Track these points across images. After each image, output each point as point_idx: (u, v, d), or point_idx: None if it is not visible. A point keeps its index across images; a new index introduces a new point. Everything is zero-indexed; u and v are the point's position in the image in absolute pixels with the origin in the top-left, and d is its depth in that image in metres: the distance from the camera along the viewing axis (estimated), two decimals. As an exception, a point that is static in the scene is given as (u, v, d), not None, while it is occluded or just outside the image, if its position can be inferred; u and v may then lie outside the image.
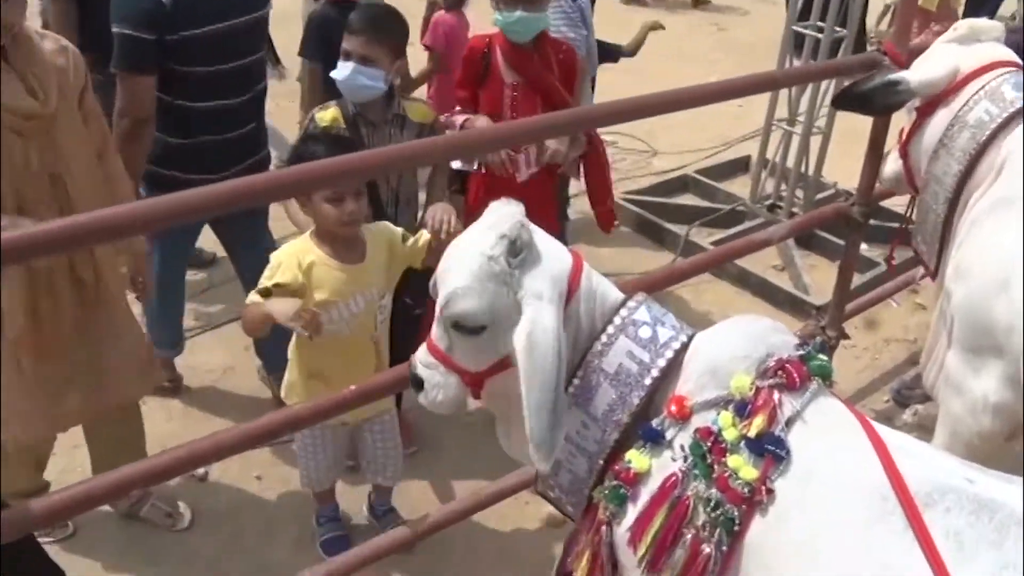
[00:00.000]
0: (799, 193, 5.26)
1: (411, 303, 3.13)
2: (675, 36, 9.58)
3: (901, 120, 2.92)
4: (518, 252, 1.65)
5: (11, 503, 1.97)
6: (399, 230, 2.76)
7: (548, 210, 3.44)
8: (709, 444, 1.55)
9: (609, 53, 4.90)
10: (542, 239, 1.72)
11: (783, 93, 5.13)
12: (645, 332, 1.67)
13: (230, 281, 4.39)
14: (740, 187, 5.75)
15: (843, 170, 5.45)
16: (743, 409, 1.56)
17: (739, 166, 6.16)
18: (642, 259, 4.98)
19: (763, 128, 5.31)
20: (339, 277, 2.60)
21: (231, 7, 3.11)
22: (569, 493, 1.78)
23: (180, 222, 3.11)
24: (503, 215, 1.72)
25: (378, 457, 3.00)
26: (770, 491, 1.49)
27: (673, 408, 1.61)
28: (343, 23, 3.04)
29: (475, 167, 3.52)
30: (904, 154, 2.88)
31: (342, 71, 2.92)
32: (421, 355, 1.84)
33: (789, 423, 1.54)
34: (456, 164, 3.46)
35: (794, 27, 4.93)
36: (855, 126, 2.96)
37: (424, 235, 2.73)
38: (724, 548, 1.50)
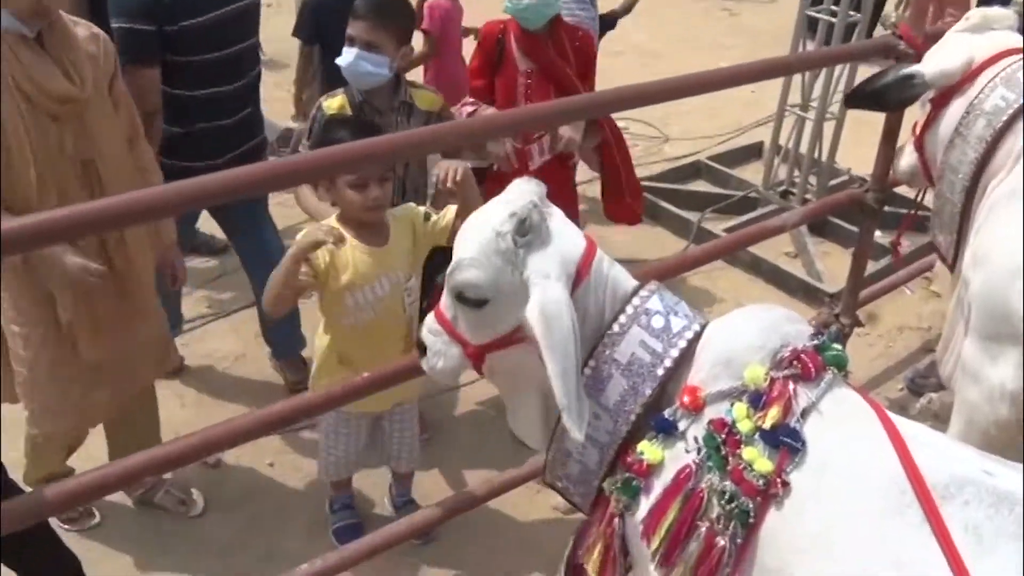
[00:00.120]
0: (812, 179, 5.23)
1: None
2: (686, 22, 9.55)
3: (915, 110, 2.90)
4: (526, 232, 1.65)
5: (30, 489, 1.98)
6: (422, 210, 2.73)
7: (565, 198, 3.43)
8: (723, 436, 1.54)
9: (606, 23, 4.88)
10: (558, 222, 1.72)
11: (796, 78, 5.09)
12: (658, 321, 1.66)
13: (242, 269, 4.39)
14: (753, 173, 5.72)
15: (857, 156, 5.42)
16: (757, 400, 1.54)
17: (752, 152, 6.12)
18: (654, 246, 4.96)
19: (776, 114, 5.27)
20: (364, 260, 2.59)
21: None
22: (578, 483, 1.77)
23: (198, 208, 3.16)
24: (521, 192, 1.72)
25: (395, 444, 3.01)
26: (785, 483, 1.48)
27: (686, 399, 1.60)
28: (337, 6, 3.03)
29: (488, 163, 3.49)
30: (919, 147, 2.86)
31: (346, 57, 2.88)
32: (429, 321, 1.87)
33: (804, 414, 1.53)
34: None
35: (808, 11, 4.89)
36: (868, 112, 2.94)
37: (449, 212, 2.69)
38: (739, 541, 1.49)
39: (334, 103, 2.95)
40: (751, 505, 1.48)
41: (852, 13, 4.72)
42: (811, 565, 1.44)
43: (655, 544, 1.55)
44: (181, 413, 3.55)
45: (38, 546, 2.48)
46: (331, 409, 2.68)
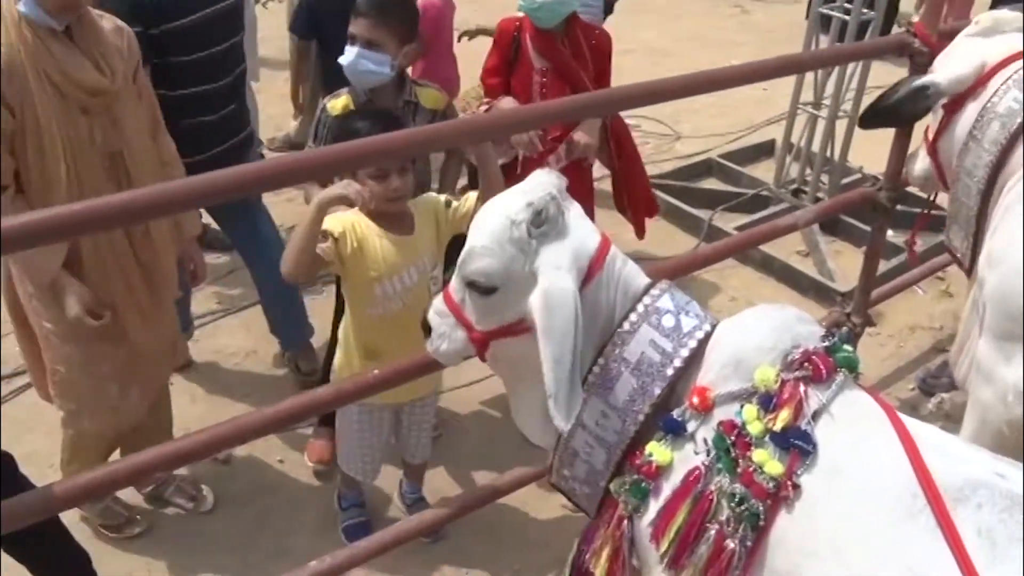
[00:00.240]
0: (824, 178, 5.20)
1: None
2: (697, 19, 9.52)
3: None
4: (542, 223, 1.65)
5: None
6: (443, 198, 2.71)
7: (580, 195, 3.41)
8: (733, 438, 1.53)
9: (606, 6, 4.86)
10: (575, 216, 1.72)
11: (808, 76, 5.06)
12: (668, 321, 1.65)
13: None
14: (764, 171, 5.70)
15: (869, 154, 5.39)
16: (768, 402, 1.53)
17: (763, 150, 6.10)
18: (665, 244, 4.95)
19: (788, 112, 5.25)
20: (391, 250, 2.57)
21: None
22: (585, 484, 1.77)
23: (208, 204, 3.17)
24: (540, 183, 1.73)
25: (412, 438, 3.01)
26: (796, 486, 1.48)
27: (695, 399, 1.59)
28: (335, 3, 3.01)
29: (512, 156, 3.47)
30: (933, 152, 2.84)
31: (347, 56, 2.84)
32: (437, 302, 1.88)
33: (815, 416, 1.52)
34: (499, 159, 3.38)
35: (821, 9, 4.86)
36: (882, 111, 2.92)
37: (470, 199, 2.68)
38: (748, 544, 1.48)
39: (338, 104, 2.91)
40: (761, 508, 1.47)
41: (865, 11, 4.69)
42: (822, 568, 1.43)
43: (664, 547, 1.55)
44: (191, 409, 3.56)
45: (48, 542, 2.49)
46: (341, 405, 2.69)
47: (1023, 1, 3.02)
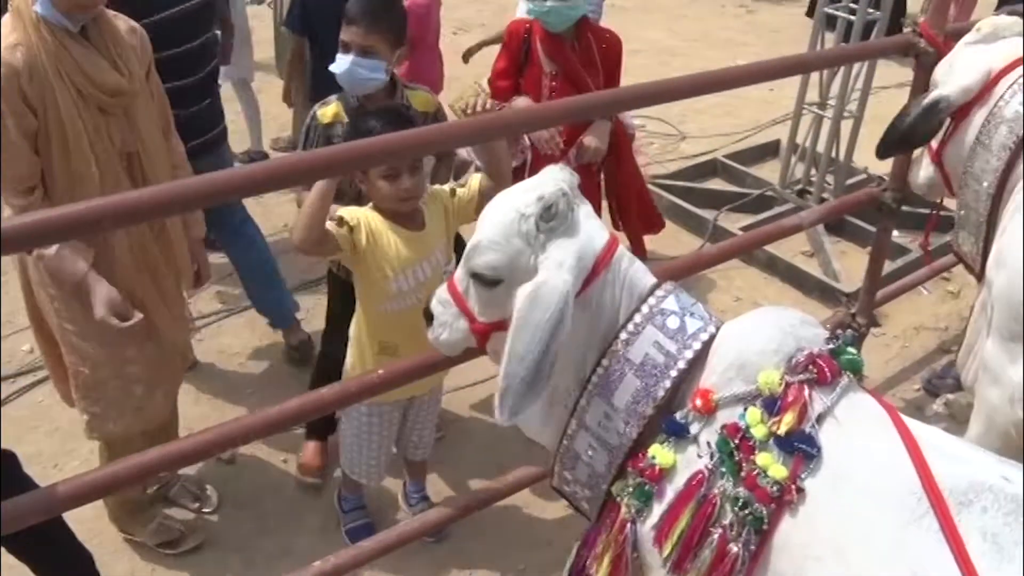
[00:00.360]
0: (829, 178, 5.19)
1: None
2: (703, 19, 9.52)
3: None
4: (551, 218, 1.65)
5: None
6: (447, 187, 2.71)
7: (589, 196, 3.40)
8: (737, 441, 1.52)
9: None
10: (584, 215, 1.72)
11: (814, 77, 5.06)
12: (673, 322, 1.65)
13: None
14: (769, 172, 5.69)
15: (874, 155, 5.38)
16: (772, 405, 1.53)
17: (769, 150, 6.09)
18: (670, 244, 4.94)
19: (794, 112, 5.24)
20: (403, 246, 2.57)
21: None
22: (586, 487, 1.76)
23: (213, 204, 3.17)
24: (552, 179, 1.72)
25: (414, 434, 3.01)
26: (800, 490, 1.47)
27: (698, 401, 1.58)
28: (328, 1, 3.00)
29: (521, 163, 3.45)
30: (938, 159, 2.84)
31: (341, 64, 2.79)
32: (440, 291, 1.88)
33: (819, 419, 1.52)
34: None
35: (826, 9, 4.85)
36: (887, 111, 2.91)
37: (473, 183, 2.68)
38: (752, 548, 1.48)
39: (328, 111, 2.86)
40: (765, 512, 1.47)
41: (871, 11, 4.68)
42: (825, 572, 1.43)
43: (667, 551, 1.54)
44: (195, 409, 3.56)
45: (52, 542, 2.49)
46: (345, 406, 2.69)
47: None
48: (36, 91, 2.29)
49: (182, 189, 1.85)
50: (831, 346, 1.60)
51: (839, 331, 1.69)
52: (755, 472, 1.49)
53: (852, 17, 4.72)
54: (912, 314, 4.42)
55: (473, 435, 3.59)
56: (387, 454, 2.97)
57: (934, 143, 2.84)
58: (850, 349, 1.62)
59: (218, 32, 4.44)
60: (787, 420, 1.50)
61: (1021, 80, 2.58)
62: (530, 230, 1.65)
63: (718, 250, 3.08)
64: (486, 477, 3.29)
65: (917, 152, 3.09)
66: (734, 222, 5.04)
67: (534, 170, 3.25)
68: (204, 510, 3.18)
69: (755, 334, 1.63)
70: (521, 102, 3.27)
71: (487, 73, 4.41)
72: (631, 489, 1.61)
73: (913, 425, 1.54)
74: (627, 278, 1.71)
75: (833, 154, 5.10)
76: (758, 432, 1.51)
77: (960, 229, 2.82)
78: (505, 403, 1.59)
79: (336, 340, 3.19)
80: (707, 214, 5.11)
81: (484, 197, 2.70)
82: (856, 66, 4.85)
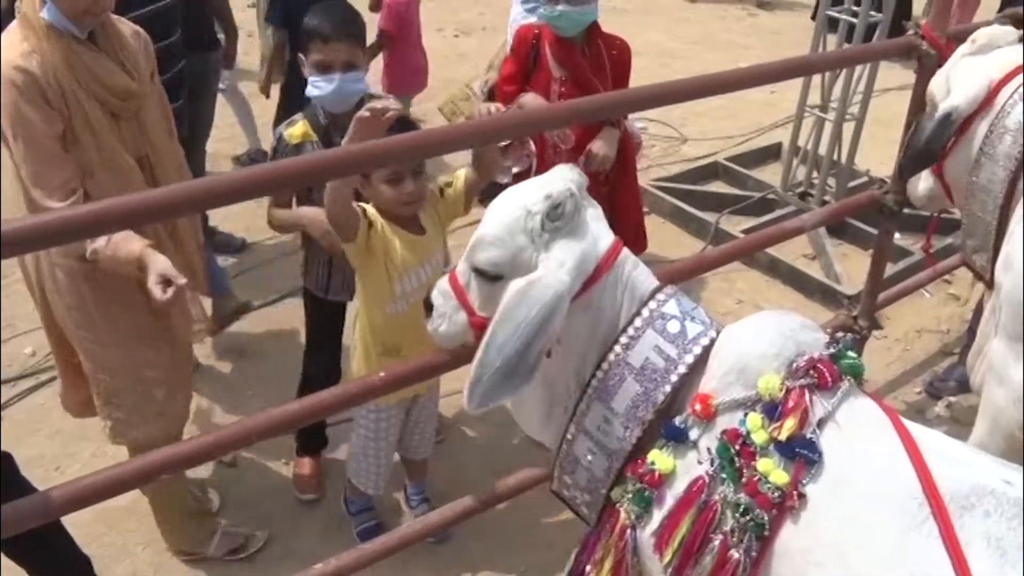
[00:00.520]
0: (831, 181, 5.19)
1: None
2: (705, 22, 9.52)
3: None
4: (557, 218, 1.65)
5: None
6: (436, 188, 2.71)
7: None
8: (737, 447, 1.52)
9: None
10: (590, 216, 1.72)
11: (815, 79, 5.06)
12: (674, 326, 1.64)
13: (260, 266, 4.42)
14: (771, 175, 5.69)
15: (876, 158, 5.39)
16: (772, 411, 1.52)
17: (770, 153, 6.09)
18: (671, 247, 4.94)
19: (795, 115, 5.24)
20: (406, 249, 2.58)
21: None
22: (585, 492, 1.76)
23: (208, 209, 3.17)
24: (561, 178, 1.72)
25: (415, 433, 3.02)
26: (801, 496, 1.46)
27: (697, 406, 1.57)
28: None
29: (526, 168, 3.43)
30: (939, 172, 2.84)
31: (324, 87, 2.71)
32: (441, 283, 1.88)
33: (820, 424, 1.51)
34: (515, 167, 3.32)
35: (828, 11, 4.85)
36: (889, 113, 2.92)
37: (459, 180, 2.69)
38: (753, 554, 1.47)
39: (296, 131, 2.78)
40: (766, 518, 1.46)
41: (873, 13, 4.68)
42: None
43: (668, 558, 1.53)
44: (197, 412, 3.56)
45: (50, 546, 2.49)
46: (347, 408, 2.68)
47: None
48: (56, 96, 2.29)
49: (188, 191, 1.85)
50: (832, 350, 1.60)
51: (839, 335, 1.68)
52: (756, 478, 1.48)
53: (854, 20, 4.72)
54: (914, 317, 4.42)
55: (474, 438, 3.59)
56: (391, 459, 2.98)
57: None
58: (850, 353, 1.62)
59: (221, 36, 4.46)
60: (788, 425, 1.49)
61: (1022, 89, 2.57)
62: (535, 228, 1.65)
63: (720, 253, 3.07)
64: (487, 479, 3.29)
65: None
66: (736, 225, 5.04)
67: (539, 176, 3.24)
68: (205, 513, 3.18)
69: (755, 339, 1.62)
70: (529, 98, 3.24)
71: (483, 76, 4.42)
72: (631, 495, 1.61)
73: (914, 429, 1.53)
74: (629, 281, 1.71)
75: (835, 157, 5.10)
76: (759, 438, 1.50)
77: (968, 238, 2.82)
78: (475, 391, 1.59)
79: (319, 361, 3.21)
80: (709, 217, 5.11)
81: (470, 192, 2.72)
82: (858, 68, 4.84)
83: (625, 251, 1.74)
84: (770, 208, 5.28)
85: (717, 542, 1.49)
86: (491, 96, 3.70)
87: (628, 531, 1.62)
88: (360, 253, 2.54)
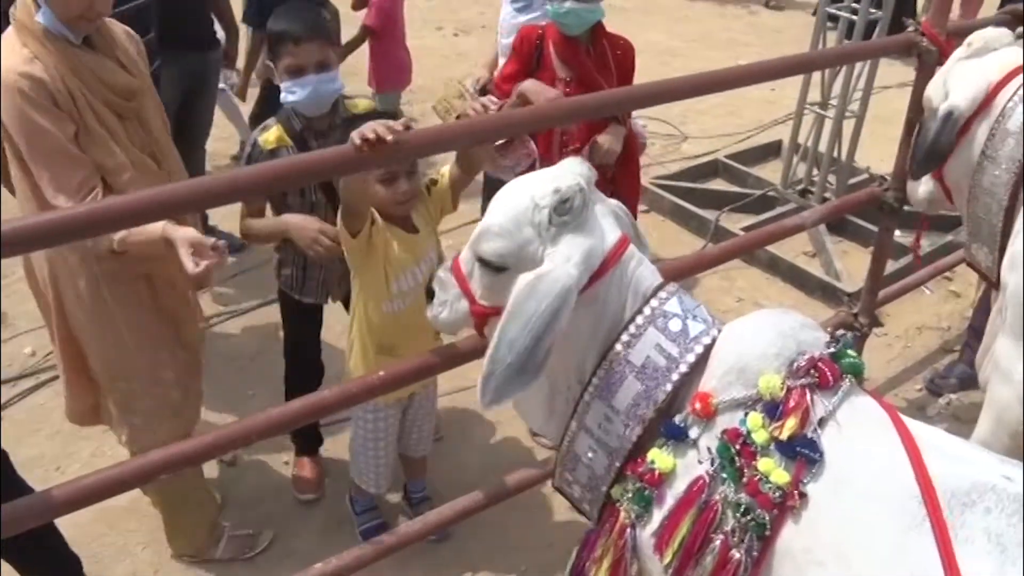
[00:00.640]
0: (831, 178, 5.19)
1: None
2: (704, 20, 9.52)
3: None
4: (565, 212, 1.64)
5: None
6: (423, 182, 2.70)
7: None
8: (738, 447, 1.51)
9: None
10: (598, 212, 1.71)
11: (815, 76, 5.06)
12: (675, 325, 1.64)
13: (259, 267, 4.42)
14: (771, 172, 5.69)
15: (876, 154, 5.39)
16: (773, 410, 1.51)
17: (770, 151, 6.09)
18: (672, 244, 4.94)
19: (795, 112, 5.24)
20: (401, 248, 2.59)
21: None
22: (586, 489, 1.75)
23: (205, 208, 3.16)
24: (571, 172, 1.71)
25: (414, 432, 3.02)
26: (803, 495, 1.46)
27: (697, 405, 1.57)
28: None
29: (527, 168, 3.42)
30: (939, 175, 2.83)
31: (301, 91, 2.66)
32: (443, 269, 1.88)
33: (821, 424, 1.50)
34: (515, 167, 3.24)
35: (828, 8, 4.85)
36: (889, 110, 2.92)
37: (445, 172, 2.69)
38: (755, 554, 1.47)
39: (271, 137, 2.73)
40: (767, 517, 1.45)
41: (873, 10, 4.68)
42: None
43: (668, 558, 1.53)
44: (197, 411, 3.56)
45: (39, 546, 2.47)
46: (347, 407, 2.68)
47: None
48: (65, 100, 2.28)
49: (188, 190, 1.85)
50: (832, 349, 1.59)
51: (839, 333, 1.67)
52: (757, 478, 1.47)
53: (854, 17, 4.72)
54: (914, 314, 4.42)
55: (474, 436, 3.58)
56: (392, 458, 2.98)
57: None
58: (851, 352, 1.61)
59: (221, 37, 4.46)
60: (790, 425, 1.48)
61: (1022, 90, 2.57)
62: (542, 221, 1.64)
63: (720, 250, 3.07)
64: (487, 478, 3.28)
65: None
66: (736, 222, 5.04)
67: None
68: (206, 512, 3.17)
69: (755, 338, 1.61)
70: (528, 84, 3.20)
71: (478, 73, 4.40)
72: (631, 494, 1.60)
73: (914, 426, 1.53)
74: (634, 278, 1.70)
75: (835, 154, 5.09)
76: (759, 437, 1.49)
77: (973, 240, 2.82)
78: (488, 387, 1.58)
79: (300, 371, 3.22)
80: (709, 214, 5.11)
81: (456, 189, 2.72)
82: (858, 65, 4.84)
83: (631, 247, 1.73)
84: (770, 205, 5.28)
85: (718, 542, 1.49)
86: (483, 94, 3.68)
87: (628, 530, 1.61)
88: (362, 251, 2.54)
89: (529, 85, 3.16)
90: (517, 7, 4.09)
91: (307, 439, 3.31)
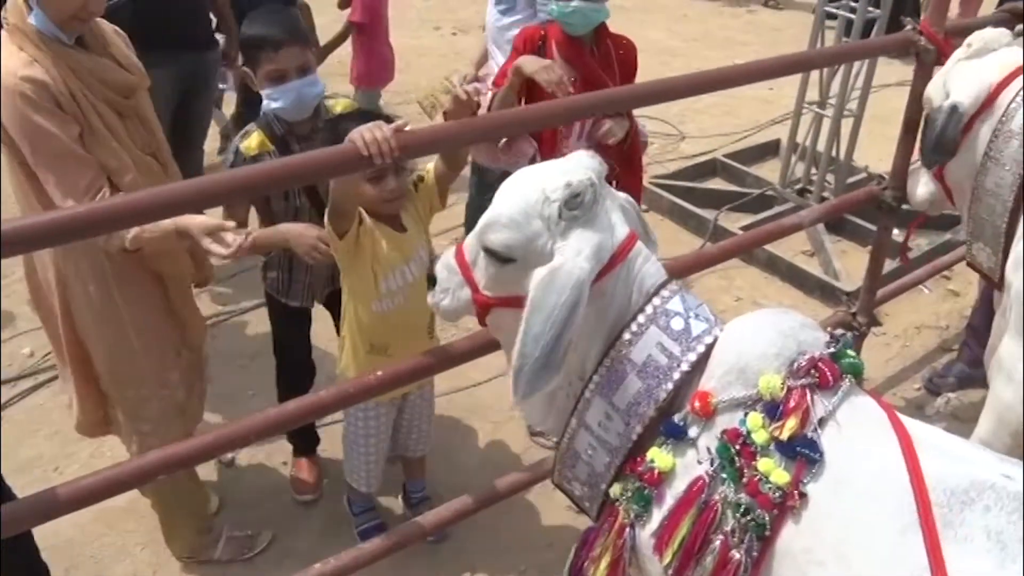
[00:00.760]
0: (830, 177, 5.19)
1: None
2: (703, 19, 9.52)
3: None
4: (575, 206, 1.63)
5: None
6: (410, 180, 2.68)
7: None
8: (738, 447, 1.51)
9: None
10: (608, 206, 1.70)
11: (813, 75, 5.06)
12: (677, 323, 1.63)
13: (257, 267, 4.40)
14: (769, 171, 5.69)
15: (875, 154, 5.39)
16: (773, 410, 1.51)
17: (769, 150, 6.09)
18: (670, 244, 4.93)
19: (794, 111, 5.24)
20: (390, 246, 2.57)
21: None
22: (586, 487, 1.75)
23: (205, 208, 3.15)
24: (582, 165, 1.70)
25: (413, 432, 3.02)
26: (803, 495, 1.46)
27: (696, 404, 1.57)
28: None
29: (531, 157, 3.41)
30: (940, 175, 2.83)
31: (284, 97, 2.62)
32: (447, 256, 1.86)
33: (821, 424, 1.50)
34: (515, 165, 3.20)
35: (826, 7, 4.85)
36: (887, 109, 2.91)
37: (430, 168, 2.67)
38: (755, 554, 1.47)
39: (252, 143, 2.69)
40: (767, 518, 1.45)
41: (871, 9, 4.68)
42: None
43: (667, 559, 1.53)
44: (196, 411, 3.56)
45: (12, 551, 2.45)
46: (344, 407, 2.69)
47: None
48: (68, 102, 2.26)
49: (188, 189, 1.84)
50: (832, 349, 1.59)
51: (839, 333, 1.67)
52: (757, 478, 1.47)
53: (852, 15, 4.72)
54: (913, 313, 4.42)
55: (473, 436, 3.58)
56: (383, 457, 2.97)
57: None
58: (850, 352, 1.61)
59: (220, 38, 4.45)
60: (790, 425, 1.48)
61: (1022, 91, 2.57)
62: (552, 214, 1.63)
63: (718, 249, 3.07)
64: (486, 478, 3.28)
65: (913, 167, 3.08)
66: (734, 222, 5.04)
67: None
68: (205, 513, 3.17)
69: (755, 338, 1.61)
70: (525, 60, 3.15)
71: (463, 71, 4.39)
72: (630, 493, 1.60)
73: (913, 426, 1.53)
74: (640, 274, 1.70)
75: (833, 153, 5.09)
76: (759, 437, 1.49)
77: (975, 241, 2.81)
78: (519, 383, 1.57)
79: (290, 373, 3.22)
80: (707, 214, 5.11)
81: (441, 182, 2.70)
82: (856, 64, 4.84)
83: (639, 244, 1.73)
84: (769, 205, 5.28)
85: (718, 542, 1.49)
86: None
87: (627, 529, 1.61)
88: (349, 251, 2.53)
89: (527, 61, 3.11)
90: (501, 9, 4.08)
91: (305, 440, 3.30)
